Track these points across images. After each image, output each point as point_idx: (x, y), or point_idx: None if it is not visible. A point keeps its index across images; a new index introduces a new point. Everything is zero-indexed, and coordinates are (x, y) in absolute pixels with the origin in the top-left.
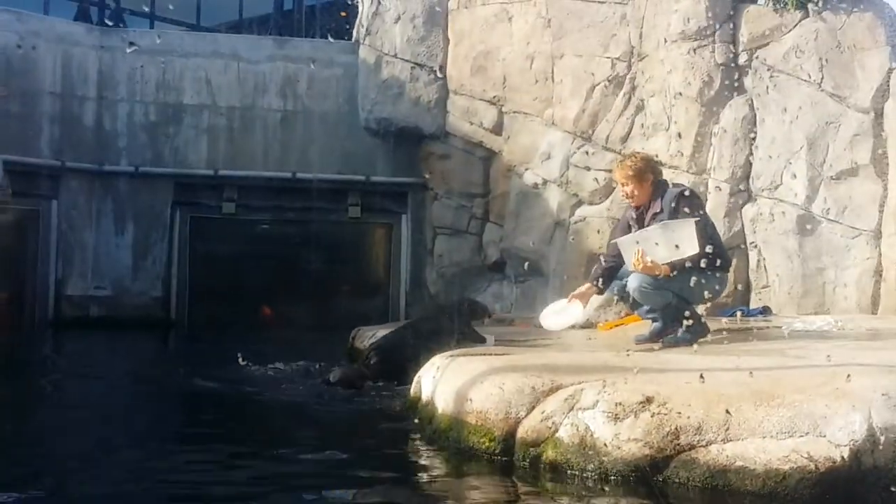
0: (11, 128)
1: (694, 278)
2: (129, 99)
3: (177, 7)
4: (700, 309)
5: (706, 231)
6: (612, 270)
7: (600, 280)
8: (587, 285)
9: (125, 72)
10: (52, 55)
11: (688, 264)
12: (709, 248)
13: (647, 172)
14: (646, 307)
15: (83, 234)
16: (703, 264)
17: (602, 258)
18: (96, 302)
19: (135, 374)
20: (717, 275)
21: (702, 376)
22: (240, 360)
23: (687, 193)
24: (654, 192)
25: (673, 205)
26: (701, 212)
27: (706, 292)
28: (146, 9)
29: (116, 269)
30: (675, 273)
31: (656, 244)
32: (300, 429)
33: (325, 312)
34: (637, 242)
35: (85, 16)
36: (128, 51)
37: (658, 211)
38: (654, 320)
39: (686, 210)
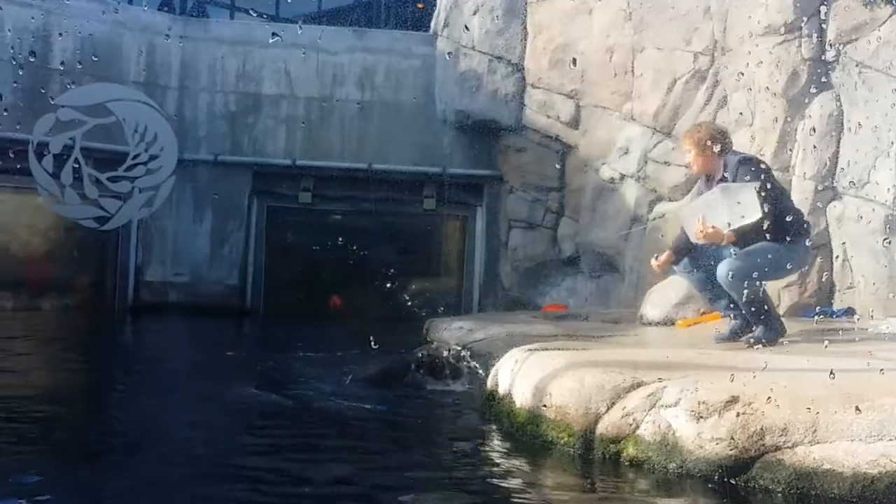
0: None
1: (771, 250)
2: (209, 89)
3: None
4: (781, 306)
5: (771, 196)
6: (687, 243)
7: (676, 250)
8: (667, 252)
9: (206, 62)
10: (137, 45)
11: (768, 235)
12: (788, 218)
13: (713, 143)
14: (723, 302)
15: (163, 221)
16: (766, 229)
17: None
18: (174, 288)
19: (214, 366)
20: (798, 244)
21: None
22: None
23: (748, 158)
24: (724, 164)
25: (735, 171)
26: (764, 176)
27: (789, 264)
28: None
29: (194, 257)
30: (748, 248)
31: (719, 210)
32: (373, 426)
33: (397, 304)
34: (700, 210)
35: (168, 5)
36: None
37: (721, 178)
38: (734, 317)
39: (746, 175)
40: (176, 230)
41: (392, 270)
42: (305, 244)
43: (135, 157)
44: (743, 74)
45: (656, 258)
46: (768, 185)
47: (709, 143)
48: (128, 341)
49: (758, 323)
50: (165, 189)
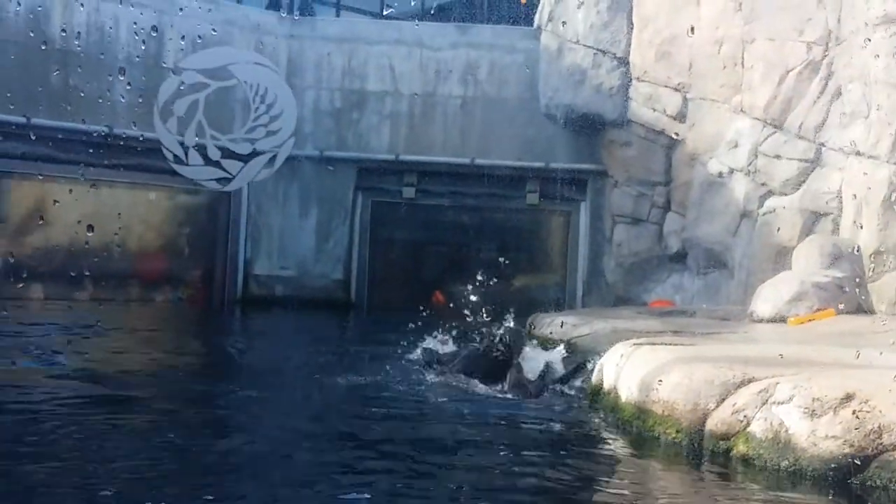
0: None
1: None
2: (315, 86)
3: None
4: None
5: None
6: None
7: None
8: None
9: (313, 59)
10: (246, 43)
11: None
12: None
13: None
14: None
15: (270, 216)
16: None
17: None
18: (281, 282)
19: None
20: None
21: None
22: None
23: None
24: None
25: None
26: None
27: None
28: None
29: (300, 251)
30: None
31: None
32: (480, 418)
33: (500, 299)
34: None
35: (276, 4)
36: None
37: None
38: None
39: None
40: (282, 225)
41: (495, 265)
42: (409, 239)
43: (255, 118)
44: (846, 67)
45: None
46: None
47: None
48: (247, 333)
49: None
50: (285, 150)
